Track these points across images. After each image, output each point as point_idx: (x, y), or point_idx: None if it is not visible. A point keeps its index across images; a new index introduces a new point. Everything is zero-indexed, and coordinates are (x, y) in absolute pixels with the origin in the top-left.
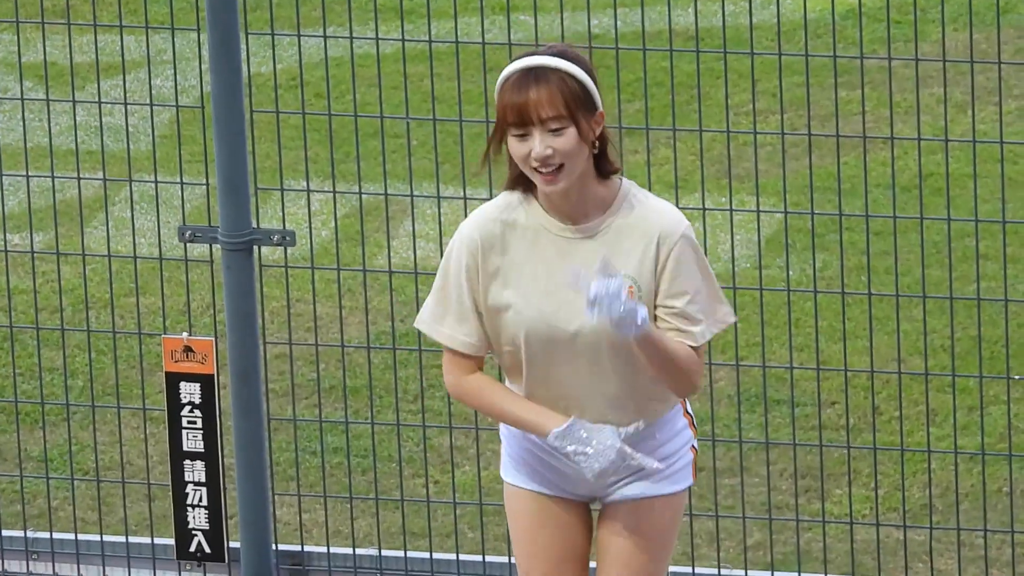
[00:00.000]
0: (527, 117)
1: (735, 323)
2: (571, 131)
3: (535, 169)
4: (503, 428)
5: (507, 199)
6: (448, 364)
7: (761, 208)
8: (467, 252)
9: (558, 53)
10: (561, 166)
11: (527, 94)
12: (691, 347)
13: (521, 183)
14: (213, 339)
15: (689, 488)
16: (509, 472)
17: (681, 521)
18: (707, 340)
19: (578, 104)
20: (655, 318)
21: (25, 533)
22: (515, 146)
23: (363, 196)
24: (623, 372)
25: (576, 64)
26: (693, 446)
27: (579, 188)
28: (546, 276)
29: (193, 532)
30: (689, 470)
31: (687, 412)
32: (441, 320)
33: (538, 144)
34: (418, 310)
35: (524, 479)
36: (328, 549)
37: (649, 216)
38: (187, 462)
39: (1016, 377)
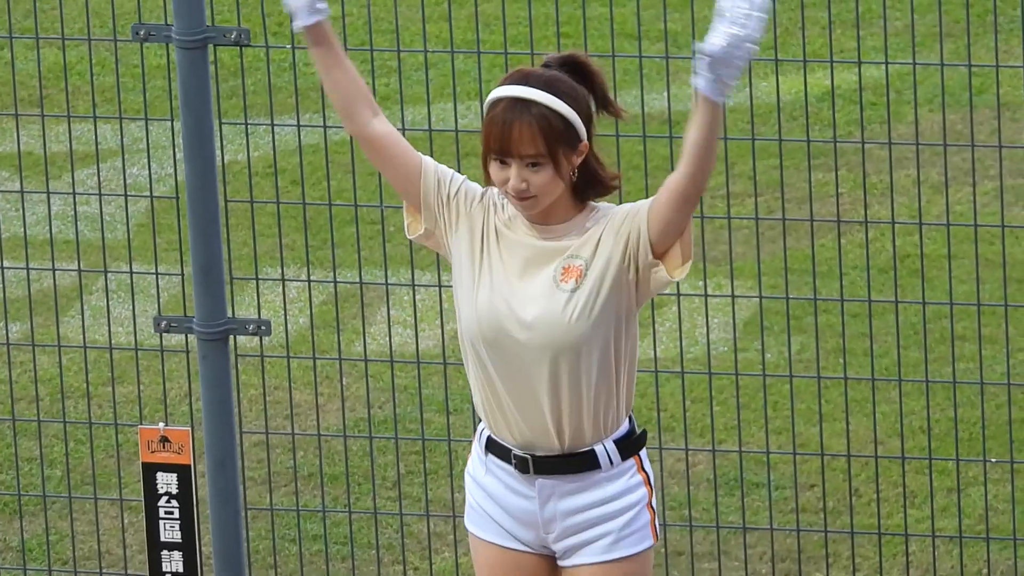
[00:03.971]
0: (507, 149)
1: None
2: (547, 168)
3: (509, 193)
4: (466, 475)
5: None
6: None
7: (736, 292)
8: (471, 187)
9: (547, 84)
10: (534, 196)
11: (510, 128)
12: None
13: None
14: (189, 429)
15: (651, 548)
16: (471, 519)
17: None
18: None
19: (559, 142)
20: (651, 244)
21: None
22: (495, 170)
23: (339, 283)
24: (571, 385)
25: (563, 97)
26: (651, 505)
27: (552, 204)
28: (506, 268)
29: None
30: (648, 530)
31: (642, 469)
32: None
33: (514, 177)
34: (395, 397)
35: (484, 529)
36: None
37: (612, 209)
38: (164, 552)
39: (993, 460)
